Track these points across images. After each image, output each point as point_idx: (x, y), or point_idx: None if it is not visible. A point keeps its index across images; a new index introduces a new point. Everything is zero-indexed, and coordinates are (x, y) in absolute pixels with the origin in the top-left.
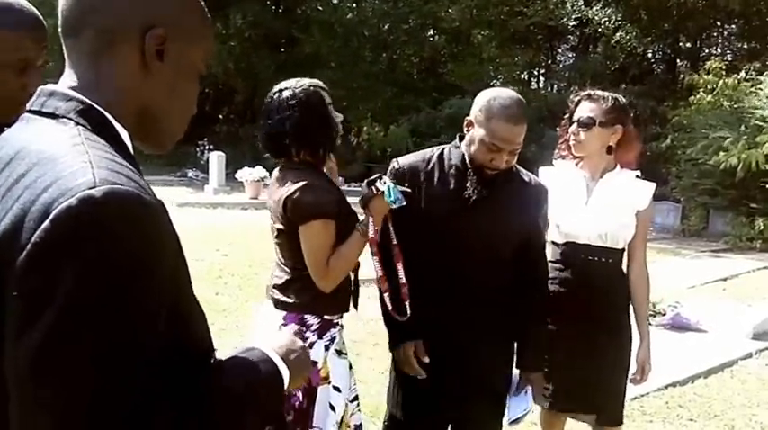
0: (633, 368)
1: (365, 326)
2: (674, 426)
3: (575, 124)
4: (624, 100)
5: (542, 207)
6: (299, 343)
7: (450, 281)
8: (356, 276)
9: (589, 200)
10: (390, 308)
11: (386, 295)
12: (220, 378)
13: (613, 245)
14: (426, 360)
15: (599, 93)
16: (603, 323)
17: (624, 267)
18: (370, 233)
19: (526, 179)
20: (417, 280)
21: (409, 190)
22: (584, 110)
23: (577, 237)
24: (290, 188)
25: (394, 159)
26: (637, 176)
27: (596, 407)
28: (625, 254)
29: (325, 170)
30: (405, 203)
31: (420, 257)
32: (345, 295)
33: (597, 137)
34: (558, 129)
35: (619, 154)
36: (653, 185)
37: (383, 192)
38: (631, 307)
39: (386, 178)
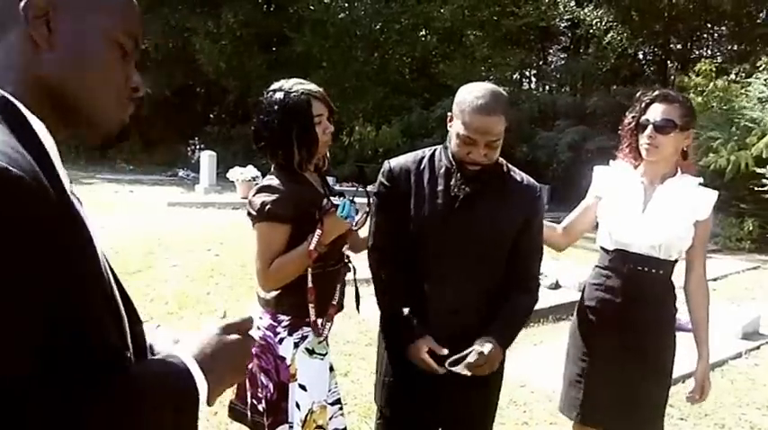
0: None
1: (358, 326)
2: (665, 425)
3: (650, 127)
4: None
5: (535, 207)
6: (225, 339)
7: (439, 281)
8: (355, 280)
9: (646, 207)
10: (313, 319)
11: (311, 305)
12: (128, 387)
13: (666, 256)
14: (445, 351)
15: (673, 93)
16: (647, 336)
17: (674, 280)
18: (311, 246)
19: (518, 179)
20: (408, 280)
21: (365, 212)
22: (659, 112)
23: (629, 246)
24: (254, 188)
25: (386, 161)
26: (699, 184)
27: (632, 426)
28: (676, 266)
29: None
30: (355, 224)
31: (410, 259)
32: (324, 299)
33: (674, 141)
34: (620, 129)
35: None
36: (715, 194)
37: (338, 207)
38: (682, 318)
39: (348, 197)
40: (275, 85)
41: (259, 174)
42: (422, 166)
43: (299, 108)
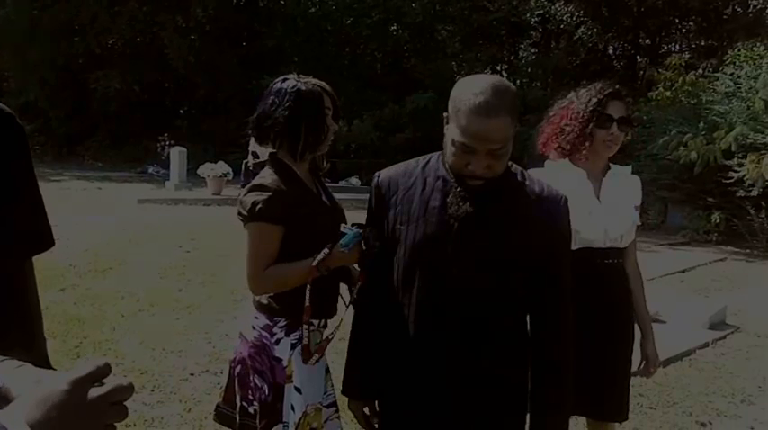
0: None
1: (342, 327)
2: (635, 414)
3: (615, 124)
4: None
5: (559, 225)
6: (72, 398)
7: (433, 327)
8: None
9: (601, 202)
10: (307, 340)
11: (305, 326)
12: None
13: (624, 245)
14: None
15: (623, 91)
16: (616, 326)
17: None
18: (314, 262)
19: (536, 189)
20: (391, 324)
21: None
22: (617, 109)
23: (593, 242)
24: (245, 187)
25: (377, 172)
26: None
27: (604, 413)
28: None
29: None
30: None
31: (394, 297)
32: (323, 300)
33: (623, 137)
34: (562, 119)
35: None
36: (638, 178)
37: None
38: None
39: (353, 228)
40: (284, 77)
41: (230, 170)
42: (412, 179)
43: (313, 96)
